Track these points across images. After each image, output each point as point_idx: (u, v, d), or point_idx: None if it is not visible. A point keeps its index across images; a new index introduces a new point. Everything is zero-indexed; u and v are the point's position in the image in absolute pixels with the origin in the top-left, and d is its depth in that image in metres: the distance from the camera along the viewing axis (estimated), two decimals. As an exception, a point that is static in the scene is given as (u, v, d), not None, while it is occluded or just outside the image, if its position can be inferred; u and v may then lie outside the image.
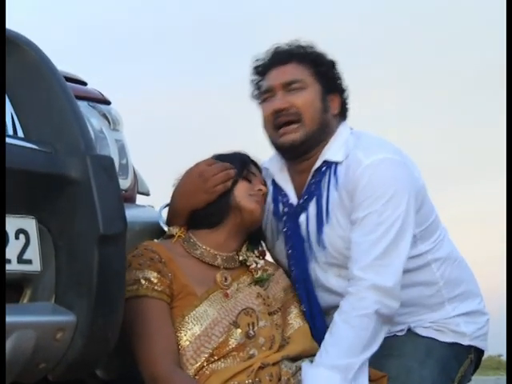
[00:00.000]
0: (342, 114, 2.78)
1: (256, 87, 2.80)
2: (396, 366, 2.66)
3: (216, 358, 2.49)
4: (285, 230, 2.76)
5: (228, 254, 2.67)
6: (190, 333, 2.50)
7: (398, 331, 2.75)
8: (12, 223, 2.01)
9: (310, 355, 2.56)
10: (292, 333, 2.66)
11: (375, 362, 2.58)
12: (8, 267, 1.97)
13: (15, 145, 2.05)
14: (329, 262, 2.70)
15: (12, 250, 1.99)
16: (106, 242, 2.07)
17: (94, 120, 2.76)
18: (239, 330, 2.52)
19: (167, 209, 2.77)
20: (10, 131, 2.13)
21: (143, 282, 2.50)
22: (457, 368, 2.77)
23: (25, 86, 2.16)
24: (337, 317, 2.55)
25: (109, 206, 2.09)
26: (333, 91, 2.75)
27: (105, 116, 2.82)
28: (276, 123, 2.69)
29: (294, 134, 2.67)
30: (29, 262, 2.02)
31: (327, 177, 2.68)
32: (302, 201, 2.73)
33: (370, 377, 2.54)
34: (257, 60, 2.80)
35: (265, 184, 2.72)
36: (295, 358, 2.58)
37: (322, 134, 2.70)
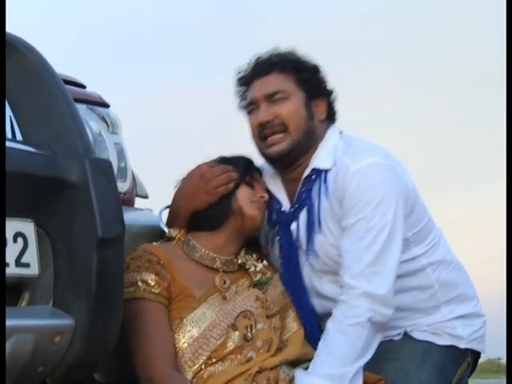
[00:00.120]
0: (330, 117, 2.78)
1: (241, 98, 2.80)
2: (393, 369, 2.66)
3: (214, 360, 2.50)
4: (278, 238, 2.77)
5: (227, 257, 2.67)
6: (188, 335, 2.51)
7: (394, 335, 2.75)
8: (10, 226, 2.01)
9: (308, 359, 2.57)
10: (290, 336, 2.66)
11: (372, 365, 2.59)
12: (6, 271, 1.97)
13: (14, 148, 2.05)
14: (323, 270, 2.70)
15: (10, 254, 1.99)
16: (105, 245, 2.07)
17: (92, 123, 2.76)
18: (237, 333, 2.53)
19: (167, 211, 2.78)
20: (8, 134, 2.13)
21: (141, 284, 2.50)
22: (454, 371, 2.77)
23: (24, 89, 2.17)
24: (330, 325, 2.55)
25: (107, 209, 2.10)
26: (318, 96, 2.74)
27: (103, 119, 2.82)
28: (262, 135, 2.69)
29: (280, 144, 2.67)
30: (27, 265, 2.02)
31: (317, 185, 2.68)
32: (293, 209, 2.73)
33: (367, 380, 2.54)
34: (239, 72, 2.79)
35: (266, 191, 2.73)
36: (294, 362, 2.58)
37: (309, 142, 2.70)
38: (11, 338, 1.93)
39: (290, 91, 2.70)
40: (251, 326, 2.55)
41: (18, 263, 2.01)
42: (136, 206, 2.98)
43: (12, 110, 2.16)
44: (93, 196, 2.07)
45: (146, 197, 3.15)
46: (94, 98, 2.86)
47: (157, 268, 2.53)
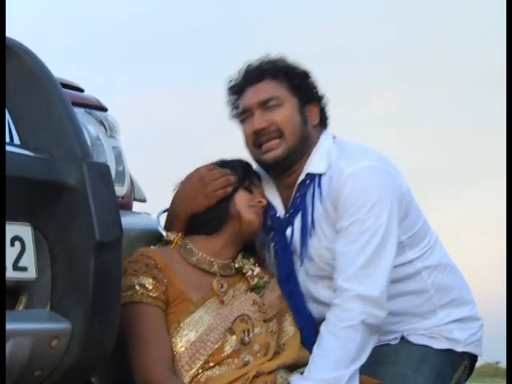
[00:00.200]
0: (323, 122, 2.78)
1: (233, 107, 2.79)
2: (390, 373, 2.67)
3: (211, 364, 2.50)
4: (273, 244, 2.77)
5: (224, 261, 2.67)
6: (185, 339, 2.51)
7: (391, 339, 2.75)
8: (8, 230, 2.01)
9: (305, 364, 2.56)
10: (287, 339, 2.66)
11: (369, 369, 2.59)
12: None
13: (11, 152, 2.05)
14: (318, 275, 2.70)
15: (7, 257, 1.99)
16: (102, 249, 2.07)
17: (90, 127, 2.76)
18: (234, 337, 2.53)
19: (165, 215, 2.78)
20: (6, 138, 2.13)
21: (138, 288, 2.50)
22: (451, 375, 2.77)
23: (22, 92, 2.17)
24: (323, 329, 2.55)
25: (105, 213, 2.10)
26: (310, 101, 2.74)
27: (101, 123, 2.82)
28: (257, 142, 2.69)
29: (276, 150, 2.67)
30: (24, 269, 2.02)
31: (311, 189, 2.68)
32: (287, 215, 2.73)
33: (363, 384, 2.55)
34: (230, 81, 2.79)
35: (265, 196, 2.73)
36: (291, 367, 2.58)
37: (303, 147, 2.70)
38: (8, 342, 1.93)
39: (284, 97, 2.70)
40: (248, 330, 2.55)
41: (16, 267, 2.01)
42: (134, 209, 2.98)
43: (10, 113, 2.16)
44: (90, 200, 2.07)
45: (143, 201, 3.15)
46: (91, 101, 2.86)
47: (154, 272, 2.53)
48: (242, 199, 2.67)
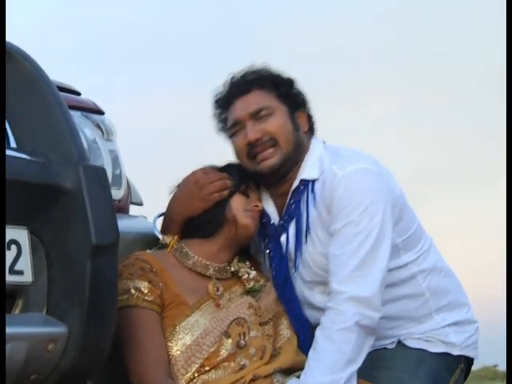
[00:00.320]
0: (311, 128, 2.78)
1: (221, 121, 2.78)
2: (387, 377, 2.67)
3: (207, 368, 2.49)
4: (267, 251, 2.77)
5: (220, 264, 2.67)
6: (180, 342, 2.51)
7: (387, 344, 2.76)
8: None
9: (302, 367, 2.56)
10: (283, 343, 2.66)
11: (366, 373, 2.59)
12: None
13: (8, 155, 2.05)
14: (314, 280, 2.71)
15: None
16: (99, 252, 2.07)
17: (87, 130, 2.76)
18: (230, 340, 2.53)
19: (161, 219, 2.78)
20: (2, 141, 2.13)
21: (134, 291, 2.50)
22: (448, 378, 2.77)
23: (18, 96, 2.17)
24: (318, 333, 2.55)
25: (101, 217, 2.10)
26: (298, 108, 2.75)
27: (98, 126, 2.82)
28: (252, 154, 2.68)
29: (272, 159, 2.67)
30: (20, 272, 2.02)
31: (305, 195, 2.69)
32: (282, 222, 2.73)
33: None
34: (216, 94, 2.78)
35: (261, 201, 2.73)
36: (287, 370, 2.58)
37: (297, 154, 2.70)
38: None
39: (274, 106, 2.70)
40: (244, 333, 2.55)
41: (12, 271, 2.01)
42: (131, 213, 2.98)
43: (6, 117, 2.16)
44: (87, 203, 2.07)
45: (140, 204, 3.16)
46: (88, 105, 2.86)
47: (149, 275, 2.53)
48: (238, 203, 2.67)
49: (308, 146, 2.74)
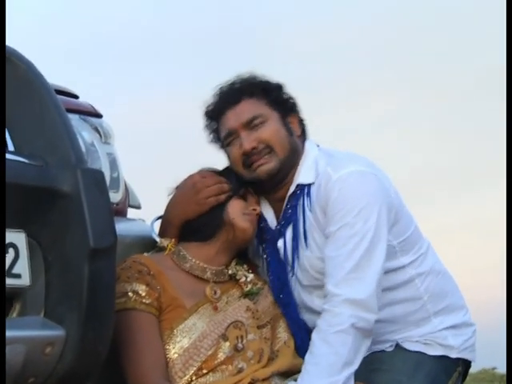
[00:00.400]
0: (303, 132, 2.78)
1: (213, 132, 2.78)
2: (385, 380, 2.67)
3: (205, 371, 2.50)
4: (265, 256, 2.77)
5: (218, 267, 2.67)
6: (178, 345, 2.51)
7: (386, 347, 2.76)
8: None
9: (299, 371, 2.56)
10: (280, 346, 2.67)
11: (364, 376, 2.59)
12: (-4, 281, 1.97)
13: (6, 158, 2.05)
14: (312, 285, 2.71)
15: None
16: (97, 255, 2.07)
17: (85, 133, 2.76)
18: (228, 343, 2.53)
19: (159, 222, 2.78)
20: (-1, 144, 2.13)
21: (131, 294, 2.50)
22: (446, 381, 2.77)
23: (16, 99, 2.16)
24: (315, 336, 2.55)
25: (99, 220, 2.09)
26: (289, 113, 2.75)
27: (96, 129, 2.82)
28: (248, 163, 2.68)
29: (269, 164, 2.67)
30: (18, 276, 2.02)
31: (301, 199, 2.69)
32: (279, 226, 2.74)
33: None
34: (206, 106, 2.77)
35: (260, 205, 2.73)
36: (285, 373, 2.58)
37: (293, 159, 2.70)
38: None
39: (266, 114, 2.69)
40: (242, 336, 2.55)
41: (9, 274, 2.01)
42: (129, 216, 2.98)
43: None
44: (85, 206, 2.07)
45: (138, 207, 3.15)
46: (86, 108, 2.86)
47: (147, 278, 2.53)
48: (236, 207, 2.67)
49: (302, 150, 2.74)
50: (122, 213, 2.90)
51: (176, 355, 2.50)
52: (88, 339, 2.07)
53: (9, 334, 1.95)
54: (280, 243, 2.73)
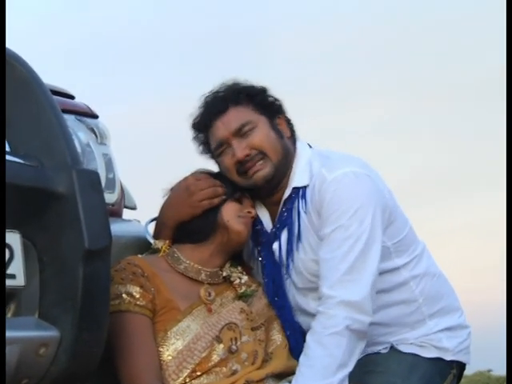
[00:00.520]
0: (292, 133, 2.78)
1: (202, 144, 2.77)
2: (380, 382, 2.67)
3: (199, 373, 2.49)
4: (260, 258, 2.77)
5: (212, 269, 2.67)
6: (172, 348, 2.50)
7: (380, 349, 2.75)
8: (-4, 238, 2.00)
9: (293, 372, 2.56)
10: (274, 348, 2.66)
11: (359, 378, 2.59)
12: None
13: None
14: (307, 287, 2.71)
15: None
16: (92, 256, 2.07)
17: (81, 134, 2.76)
18: (222, 345, 2.53)
19: (154, 223, 2.78)
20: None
21: (125, 296, 2.50)
22: (440, 383, 2.77)
23: (11, 99, 2.16)
24: (309, 338, 2.54)
25: (94, 221, 2.09)
26: (276, 115, 2.74)
27: (92, 130, 2.81)
28: (242, 171, 2.67)
29: (264, 170, 2.66)
30: (12, 276, 2.02)
31: (296, 202, 2.68)
32: (274, 229, 2.74)
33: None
34: (194, 118, 2.76)
35: (255, 208, 2.73)
36: (280, 375, 2.58)
37: (287, 161, 2.70)
38: (-4, 350, 1.92)
39: (254, 120, 2.69)
40: (236, 338, 2.55)
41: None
42: (124, 217, 2.97)
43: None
44: (80, 207, 2.07)
45: (134, 208, 3.15)
46: (82, 108, 2.85)
47: (141, 280, 2.53)
48: (230, 209, 2.67)
49: (295, 151, 2.75)
50: (117, 214, 2.89)
51: (170, 357, 2.50)
52: (82, 340, 2.06)
53: (2, 334, 1.95)
54: (275, 246, 2.73)
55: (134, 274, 2.53)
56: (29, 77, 2.16)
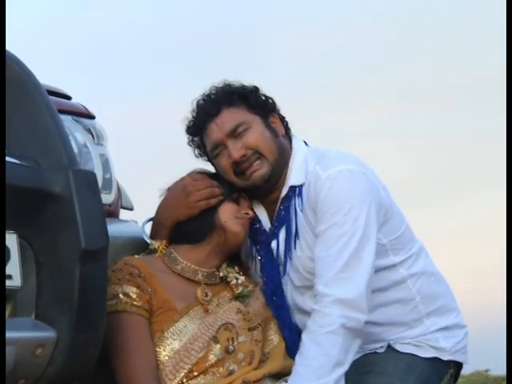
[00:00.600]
0: (287, 131, 2.78)
1: (197, 147, 2.77)
2: (377, 383, 2.66)
3: (195, 373, 2.49)
4: (258, 257, 2.77)
5: (209, 270, 2.67)
6: (169, 348, 2.50)
7: (377, 348, 2.75)
8: (-8, 238, 2.00)
9: (290, 372, 2.56)
10: (271, 348, 2.67)
11: (356, 378, 2.59)
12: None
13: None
14: (304, 285, 2.71)
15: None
16: (88, 257, 2.07)
17: (77, 134, 2.75)
18: (218, 346, 2.53)
19: (150, 223, 2.78)
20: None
21: (122, 297, 2.50)
22: (437, 383, 2.77)
23: (8, 100, 2.16)
24: (305, 337, 2.54)
25: (91, 222, 2.09)
26: (269, 114, 2.75)
27: (89, 130, 2.81)
28: (239, 171, 2.68)
29: (261, 170, 2.67)
30: (9, 277, 2.02)
31: (293, 200, 2.69)
32: (272, 228, 2.74)
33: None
34: (187, 122, 2.76)
35: (252, 209, 2.73)
36: (277, 375, 2.58)
37: (283, 160, 2.71)
38: (-8, 350, 1.92)
39: (248, 120, 2.69)
40: (233, 338, 2.55)
41: (0, 275, 2.00)
42: (121, 217, 2.97)
43: (-4, 121, 2.15)
44: (77, 208, 2.07)
45: (131, 208, 3.15)
46: (79, 109, 2.85)
47: (138, 281, 2.53)
48: (227, 210, 2.67)
49: (290, 149, 2.75)
50: (114, 214, 2.89)
51: (167, 358, 2.50)
52: (79, 341, 2.06)
53: (-1, 335, 1.95)
54: (274, 244, 2.73)
55: (130, 275, 2.53)
56: (25, 77, 2.16)
